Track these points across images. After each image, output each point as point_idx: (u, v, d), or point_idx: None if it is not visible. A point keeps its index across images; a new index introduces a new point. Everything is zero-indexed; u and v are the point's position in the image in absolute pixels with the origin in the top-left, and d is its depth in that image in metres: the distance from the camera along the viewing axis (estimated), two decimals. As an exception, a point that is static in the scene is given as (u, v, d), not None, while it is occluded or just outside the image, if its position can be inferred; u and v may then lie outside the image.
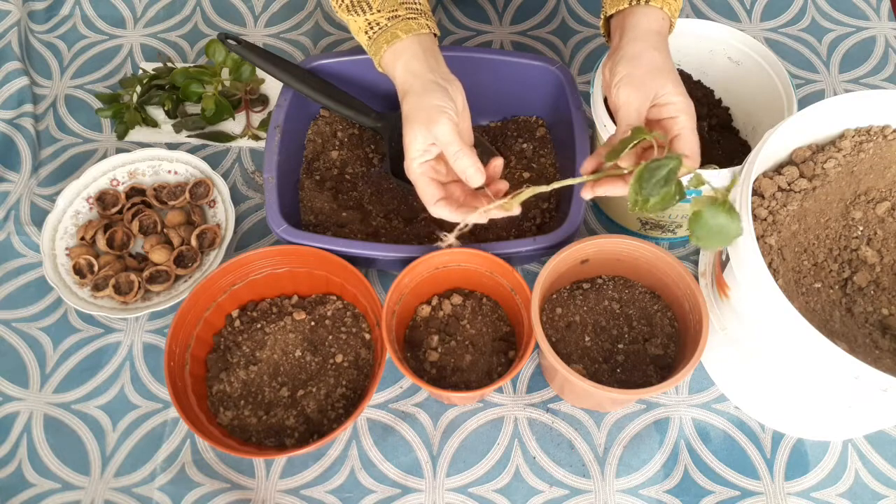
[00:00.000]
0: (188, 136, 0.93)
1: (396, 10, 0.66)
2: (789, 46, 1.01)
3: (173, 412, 0.77)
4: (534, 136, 0.89)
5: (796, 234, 0.65)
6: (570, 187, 0.76)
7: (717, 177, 0.69)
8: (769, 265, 0.61)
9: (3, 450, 0.76)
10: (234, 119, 0.95)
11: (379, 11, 0.66)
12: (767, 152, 0.62)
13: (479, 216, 0.63)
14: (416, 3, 0.67)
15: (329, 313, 0.77)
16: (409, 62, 0.64)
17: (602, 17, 0.68)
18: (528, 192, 0.61)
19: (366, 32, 0.67)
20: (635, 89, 0.60)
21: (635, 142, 0.55)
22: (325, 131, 0.89)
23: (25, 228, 0.88)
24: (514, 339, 0.75)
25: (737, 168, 0.67)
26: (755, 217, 0.64)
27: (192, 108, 0.95)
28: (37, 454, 0.75)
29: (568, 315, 0.73)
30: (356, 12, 0.67)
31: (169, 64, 0.97)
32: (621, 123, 0.61)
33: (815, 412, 0.69)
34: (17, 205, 0.89)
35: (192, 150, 0.93)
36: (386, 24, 0.66)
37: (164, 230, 0.85)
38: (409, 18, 0.66)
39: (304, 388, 0.73)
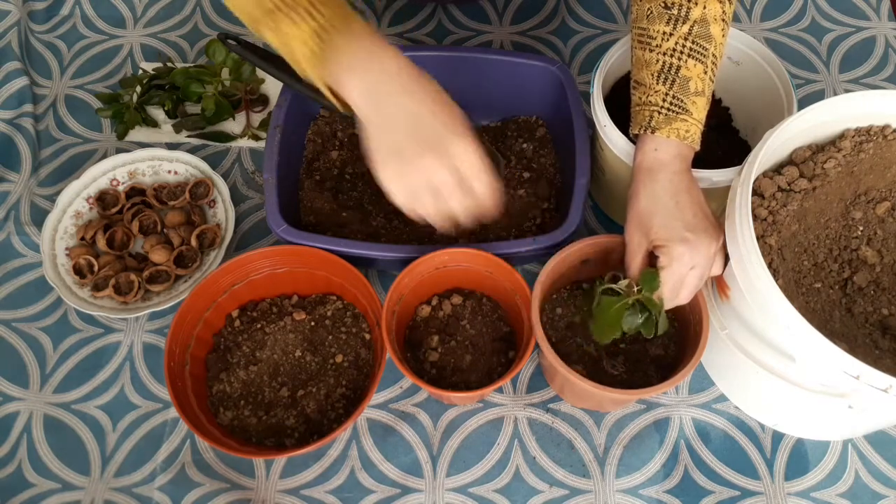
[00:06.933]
0: (188, 136, 0.93)
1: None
2: (789, 46, 1.01)
3: (173, 412, 0.77)
4: (534, 136, 0.89)
5: (796, 234, 0.64)
6: (570, 188, 0.76)
7: (717, 175, 0.69)
8: (769, 265, 0.61)
9: (3, 450, 0.76)
10: (234, 119, 0.95)
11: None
12: (767, 152, 0.62)
13: None
14: None
15: (329, 313, 0.77)
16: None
17: (631, 133, 0.68)
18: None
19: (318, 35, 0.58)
20: (629, 235, 0.65)
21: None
22: (325, 131, 0.89)
23: (25, 228, 0.88)
24: (514, 339, 0.75)
25: (737, 168, 0.66)
26: (755, 217, 0.64)
27: (192, 108, 0.95)
28: (37, 454, 0.75)
29: (568, 315, 0.73)
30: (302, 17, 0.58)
31: (169, 64, 0.97)
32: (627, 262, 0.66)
33: (815, 412, 0.69)
34: (17, 205, 0.89)
35: (192, 150, 0.92)
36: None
37: (164, 230, 0.85)
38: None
39: (304, 388, 0.73)
